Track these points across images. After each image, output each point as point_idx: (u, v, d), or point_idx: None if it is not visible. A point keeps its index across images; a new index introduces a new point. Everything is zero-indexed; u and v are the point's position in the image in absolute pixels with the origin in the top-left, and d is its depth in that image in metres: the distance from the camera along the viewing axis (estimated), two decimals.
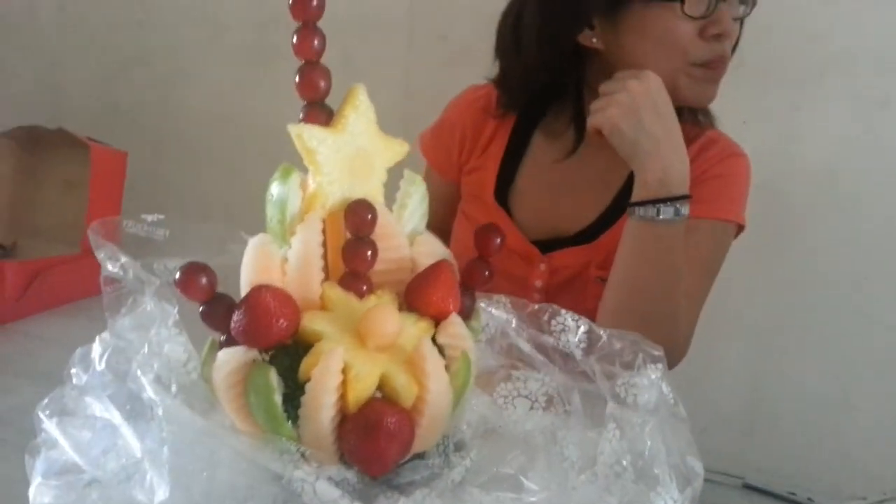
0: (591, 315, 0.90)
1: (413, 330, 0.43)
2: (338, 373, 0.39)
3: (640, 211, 0.79)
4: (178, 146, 1.89)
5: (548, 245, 0.93)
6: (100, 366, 0.45)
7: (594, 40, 0.87)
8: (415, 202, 0.48)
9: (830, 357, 1.44)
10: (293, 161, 0.46)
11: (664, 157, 0.78)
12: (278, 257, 0.43)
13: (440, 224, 1.13)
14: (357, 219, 0.44)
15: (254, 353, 0.41)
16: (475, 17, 1.59)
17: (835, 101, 1.38)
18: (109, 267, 0.61)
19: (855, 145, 1.39)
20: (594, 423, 0.48)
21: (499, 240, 0.48)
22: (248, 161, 1.84)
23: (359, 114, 0.44)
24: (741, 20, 0.87)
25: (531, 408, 0.52)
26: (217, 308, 0.41)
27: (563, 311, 0.51)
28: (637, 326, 0.79)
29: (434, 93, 1.67)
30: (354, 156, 0.45)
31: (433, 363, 0.41)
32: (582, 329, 0.49)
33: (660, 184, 0.78)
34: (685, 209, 0.78)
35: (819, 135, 1.41)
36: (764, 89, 1.39)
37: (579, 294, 0.92)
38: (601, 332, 0.49)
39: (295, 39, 0.45)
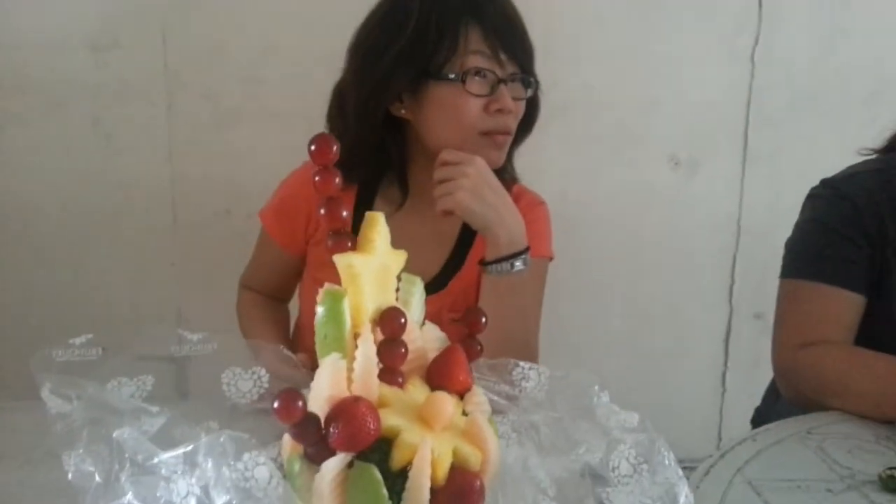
0: None
1: None
2: (429, 457, 0.48)
3: (496, 268, 0.94)
4: None
5: None
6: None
7: (403, 111, 1.01)
8: (416, 300, 0.57)
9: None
10: None
11: (507, 222, 0.95)
12: (344, 369, 0.49)
13: (276, 292, 1.17)
14: (392, 324, 0.52)
15: (349, 457, 0.47)
16: (238, 77, 1.63)
17: (558, 142, 1.69)
18: (60, 402, 0.59)
19: (577, 175, 1.72)
20: (567, 445, 0.62)
21: (484, 319, 0.59)
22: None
23: (381, 237, 0.53)
24: (527, 100, 1.04)
25: (507, 445, 0.63)
26: (308, 426, 0.47)
27: (522, 363, 0.64)
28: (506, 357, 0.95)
29: (202, 155, 1.66)
30: (381, 272, 0.53)
31: (488, 430, 0.51)
32: (544, 375, 0.63)
33: (508, 244, 0.94)
34: (528, 258, 0.96)
35: (549, 168, 1.72)
36: None
37: None
38: (558, 374, 0.63)
39: (318, 179, 0.51)
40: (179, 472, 0.50)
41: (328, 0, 1.55)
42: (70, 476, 0.54)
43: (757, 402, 1.34)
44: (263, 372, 0.63)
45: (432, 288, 1.04)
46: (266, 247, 1.12)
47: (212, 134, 1.65)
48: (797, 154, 1.73)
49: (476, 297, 1.02)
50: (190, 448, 0.49)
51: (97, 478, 0.55)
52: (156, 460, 0.51)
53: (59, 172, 1.60)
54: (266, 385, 0.62)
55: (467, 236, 1.05)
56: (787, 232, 1.20)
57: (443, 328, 1.07)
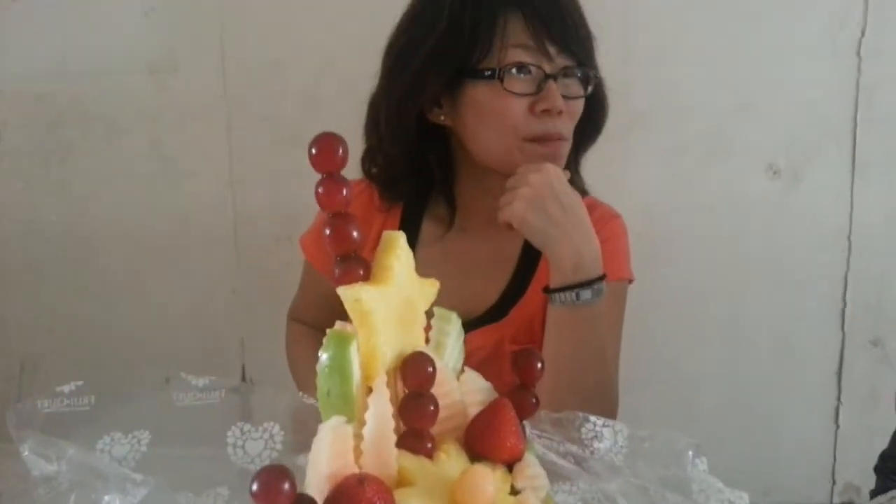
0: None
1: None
2: None
3: (560, 297, 0.81)
4: None
5: None
6: None
7: (442, 118, 0.90)
8: (452, 340, 0.46)
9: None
10: None
11: (574, 243, 0.81)
12: (350, 436, 0.38)
13: (325, 324, 1.08)
14: (419, 375, 0.41)
15: None
16: (296, 98, 1.57)
17: (639, 152, 1.54)
18: (43, 464, 0.51)
19: (663, 187, 1.56)
20: None
21: (540, 364, 0.47)
22: None
23: (402, 263, 0.41)
24: (590, 98, 0.89)
25: None
26: None
27: (594, 418, 0.51)
28: (578, 402, 0.81)
29: (263, 178, 1.61)
30: (402, 307, 0.42)
31: None
32: (622, 434, 0.50)
33: (574, 269, 0.81)
34: (602, 287, 0.82)
35: (630, 180, 1.57)
36: None
37: (496, 370, 0.91)
38: (641, 433, 0.50)
39: (321, 191, 0.41)
40: None
41: (385, 14, 1.46)
42: None
43: (876, 440, 1.15)
44: (277, 429, 0.52)
45: (490, 317, 0.93)
46: (309, 276, 1.04)
47: (272, 157, 1.59)
48: None
49: (543, 326, 0.89)
50: None
51: None
52: None
53: (121, 200, 1.58)
54: (279, 447, 0.52)
55: (531, 257, 0.93)
56: None
57: (502, 363, 0.95)
